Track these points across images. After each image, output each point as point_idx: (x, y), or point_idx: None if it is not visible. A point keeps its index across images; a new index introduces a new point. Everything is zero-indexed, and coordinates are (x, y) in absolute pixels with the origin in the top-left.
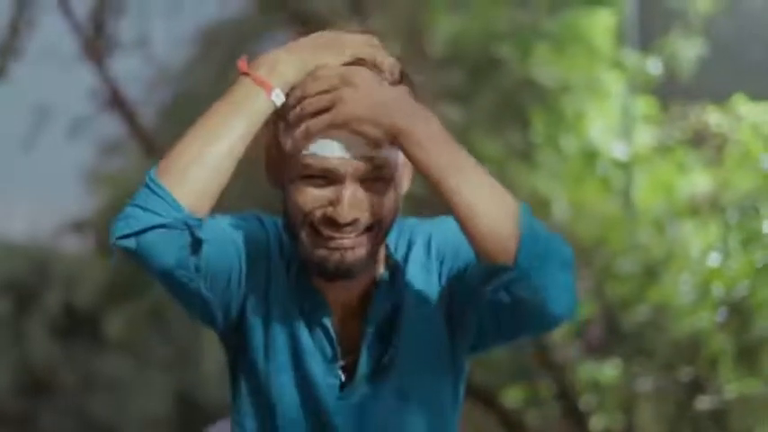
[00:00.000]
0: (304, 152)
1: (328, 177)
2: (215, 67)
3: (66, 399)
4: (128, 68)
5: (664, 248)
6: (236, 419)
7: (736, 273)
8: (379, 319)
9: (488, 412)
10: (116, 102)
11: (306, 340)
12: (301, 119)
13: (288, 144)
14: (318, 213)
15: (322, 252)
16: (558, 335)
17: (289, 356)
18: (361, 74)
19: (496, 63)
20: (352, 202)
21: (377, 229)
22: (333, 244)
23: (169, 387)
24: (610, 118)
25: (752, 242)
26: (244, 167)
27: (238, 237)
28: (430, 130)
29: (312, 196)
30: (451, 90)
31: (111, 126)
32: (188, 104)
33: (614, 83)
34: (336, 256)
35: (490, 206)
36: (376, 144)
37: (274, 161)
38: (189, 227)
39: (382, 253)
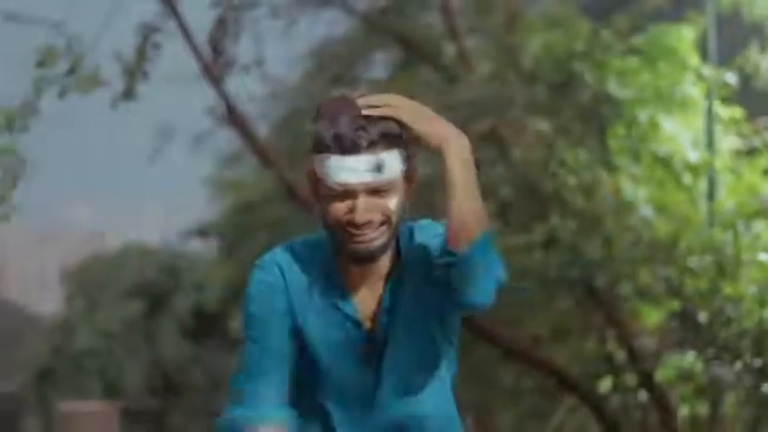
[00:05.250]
0: (329, 180)
1: (347, 193)
2: (324, 83)
3: (196, 398)
4: (245, 87)
5: (737, 247)
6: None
7: None
8: (390, 298)
9: (583, 402)
10: (233, 117)
11: (338, 320)
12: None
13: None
14: (344, 219)
15: (352, 245)
16: (644, 328)
17: (327, 331)
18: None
19: (578, 78)
20: (365, 208)
21: (388, 223)
22: (358, 239)
23: None
24: (694, 127)
25: None
26: None
27: (274, 301)
28: (464, 147)
29: (338, 207)
30: (539, 103)
31: (231, 139)
32: (299, 119)
33: (698, 94)
34: (362, 247)
35: (470, 214)
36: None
37: (314, 184)
38: None
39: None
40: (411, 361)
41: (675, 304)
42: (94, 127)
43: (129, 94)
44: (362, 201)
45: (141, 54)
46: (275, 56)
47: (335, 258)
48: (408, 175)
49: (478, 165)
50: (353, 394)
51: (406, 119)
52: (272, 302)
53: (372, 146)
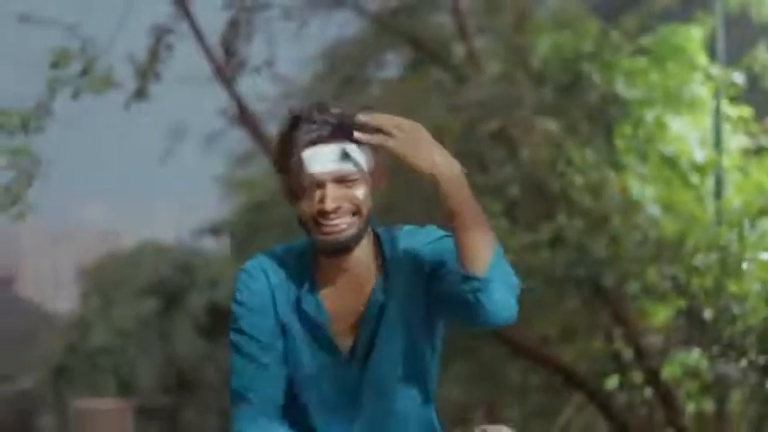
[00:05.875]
0: (303, 173)
1: (316, 186)
2: (336, 83)
3: (209, 395)
4: (256, 87)
5: (742, 246)
6: None
7: None
8: (374, 309)
9: (590, 400)
10: (245, 118)
11: (309, 336)
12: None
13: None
14: (314, 209)
15: (322, 236)
16: (650, 326)
17: (303, 344)
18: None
19: (586, 79)
20: (333, 196)
21: (359, 214)
22: (328, 229)
23: None
24: (702, 126)
25: None
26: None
27: (261, 305)
28: (457, 174)
29: (308, 200)
30: (547, 103)
31: (242, 139)
32: None
33: (706, 93)
34: (332, 238)
35: (481, 238)
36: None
37: (293, 189)
38: None
39: (370, 240)
40: (394, 368)
41: (682, 302)
42: (107, 127)
43: (141, 94)
44: (331, 189)
45: (154, 55)
46: (287, 57)
47: (314, 260)
48: (377, 173)
49: (487, 164)
50: (335, 396)
51: (394, 147)
52: (261, 317)
53: (337, 136)
